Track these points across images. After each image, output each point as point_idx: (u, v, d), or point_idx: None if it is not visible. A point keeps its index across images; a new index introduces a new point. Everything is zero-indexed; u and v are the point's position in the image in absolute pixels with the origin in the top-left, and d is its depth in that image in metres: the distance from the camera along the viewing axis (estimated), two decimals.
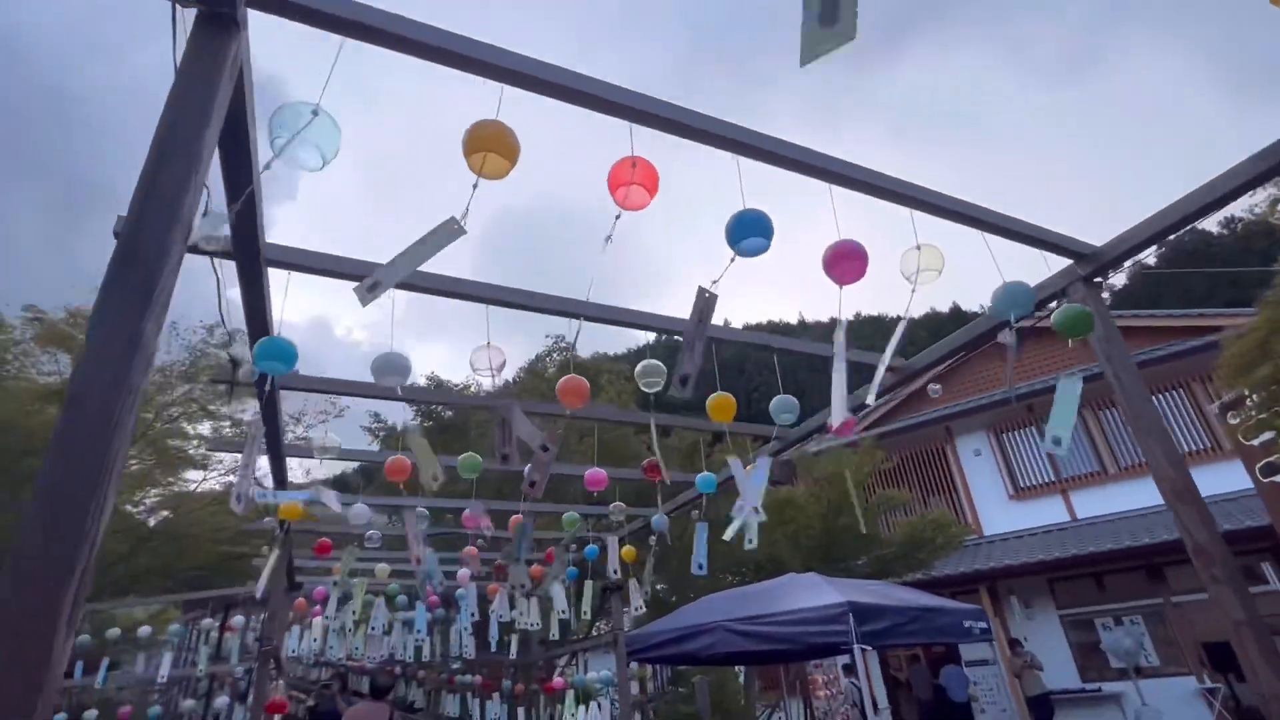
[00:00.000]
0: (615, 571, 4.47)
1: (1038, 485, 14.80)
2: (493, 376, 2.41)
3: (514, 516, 3.72)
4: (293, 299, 3.18)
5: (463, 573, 4.69)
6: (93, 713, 5.27)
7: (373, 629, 4.72)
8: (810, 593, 5.39)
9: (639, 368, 2.77)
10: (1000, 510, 15.03)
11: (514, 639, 6.34)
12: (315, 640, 6.42)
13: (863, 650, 4.68)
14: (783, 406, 3.07)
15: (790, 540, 10.11)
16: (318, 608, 5.80)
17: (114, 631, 5.42)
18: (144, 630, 5.51)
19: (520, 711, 6.40)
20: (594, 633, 9.70)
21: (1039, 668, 11.95)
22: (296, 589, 5.91)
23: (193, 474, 9.37)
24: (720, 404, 2.94)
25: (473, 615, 4.71)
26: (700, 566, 4.34)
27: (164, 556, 8.50)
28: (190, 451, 8.59)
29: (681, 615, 6.68)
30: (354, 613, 5.57)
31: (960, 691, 13.19)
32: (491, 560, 6.19)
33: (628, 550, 4.63)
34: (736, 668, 10.86)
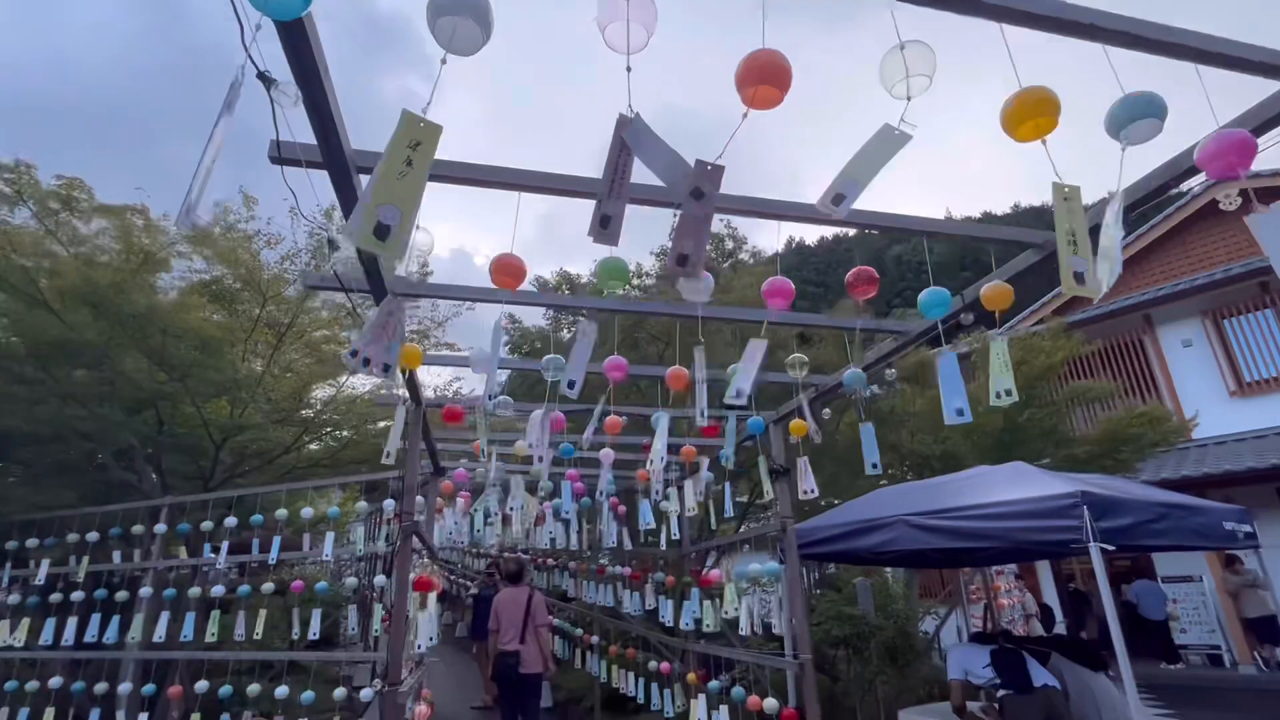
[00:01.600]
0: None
1: (1273, 378, 12.25)
2: (628, 53, 1.56)
3: (672, 370, 3.03)
4: (435, 231, 2.57)
5: (605, 451, 4.23)
6: (270, 585, 5.53)
7: (511, 508, 4.42)
8: (1023, 483, 4.43)
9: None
10: (1217, 409, 12.65)
11: (665, 529, 5.96)
12: (476, 529, 6.38)
13: (1101, 551, 3.73)
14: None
15: (965, 435, 8.99)
16: (464, 493, 5.71)
17: (281, 512, 5.59)
18: (306, 512, 5.65)
19: (671, 604, 6.10)
20: (742, 528, 9.27)
21: (1264, 587, 10.22)
22: (441, 473, 5.85)
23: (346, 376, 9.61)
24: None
25: (603, 493, 4.24)
26: (875, 466, 3.56)
27: (329, 448, 9.10)
28: (342, 352, 8.81)
29: (848, 510, 5.96)
30: (499, 498, 5.38)
31: (1156, 609, 11.68)
32: (637, 446, 5.75)
33: (797, 424, 3.89)
34: (892, 571, 10.12)
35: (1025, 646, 5.15)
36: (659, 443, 3.25)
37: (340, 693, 5.11)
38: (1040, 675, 4.71)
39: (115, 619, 5.69)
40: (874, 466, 3.42)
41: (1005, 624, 8.50)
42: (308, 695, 5.13)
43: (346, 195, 1.98)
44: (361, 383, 9.26)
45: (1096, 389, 10.07)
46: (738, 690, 4.58)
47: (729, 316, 3.48)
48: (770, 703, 4.22)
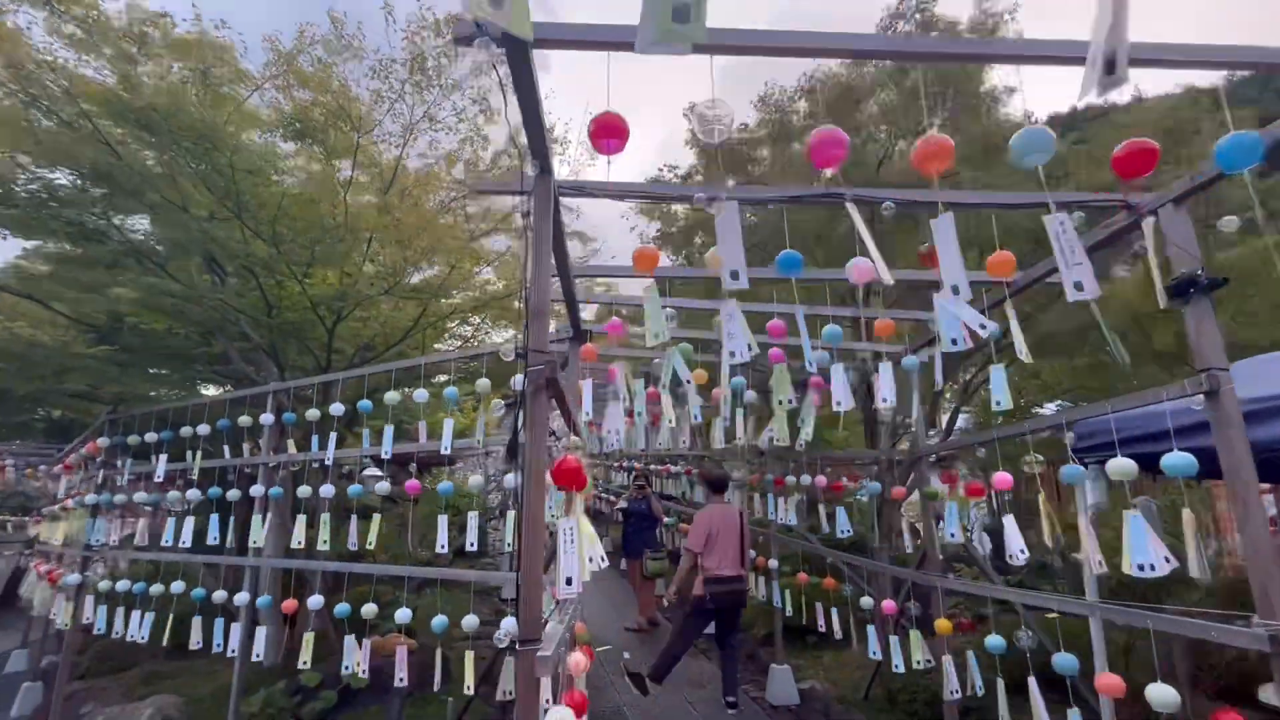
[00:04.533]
0: None
1: None
2: None
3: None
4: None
5: (858, 262, 2.43)
6: (385, 485, 4.47)
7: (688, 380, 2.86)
8: None
9: None
10: None
11: (884, 427, 4.22)
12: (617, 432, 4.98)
13: None
14: None
15: (1248, 316, 6.44)
16: (613, 367, 4.28)
17: (391, 395, 4.45)
18: (420, 394, 4.46)
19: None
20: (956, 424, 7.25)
21: None
22: (583, 337, 4.42)
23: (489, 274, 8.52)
24: None
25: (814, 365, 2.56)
26: None
27: (463, 340, 8.31)
28: (473, 247, 7.67)
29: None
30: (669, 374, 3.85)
31: None
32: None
33: None
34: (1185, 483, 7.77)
35: None
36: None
37: (471, 621, 3.93)
38: None
39: (228, 521, 4.96)
40: None
41: None
42: (439, 621, 4.01)
43: None
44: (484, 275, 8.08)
45: None
46: (1065, 658, 2.82)
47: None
48: (1163, 692, 2.37)
